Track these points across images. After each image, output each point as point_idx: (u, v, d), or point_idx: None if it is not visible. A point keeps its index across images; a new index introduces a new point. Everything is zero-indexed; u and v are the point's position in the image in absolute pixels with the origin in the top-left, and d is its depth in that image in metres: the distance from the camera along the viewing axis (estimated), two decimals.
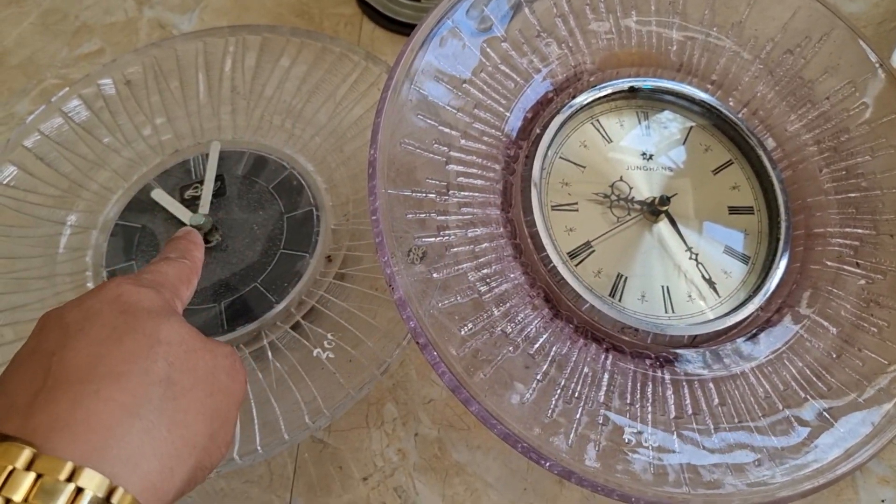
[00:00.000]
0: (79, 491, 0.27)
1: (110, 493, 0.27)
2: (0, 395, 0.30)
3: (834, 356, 0.49)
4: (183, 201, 0.56)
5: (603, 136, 0.54)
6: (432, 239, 0.46)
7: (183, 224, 0.54)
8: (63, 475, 0.27)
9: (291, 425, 0.45)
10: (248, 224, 0.55)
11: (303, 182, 0.57)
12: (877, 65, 0.55)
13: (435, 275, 0.45)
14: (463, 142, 0.50)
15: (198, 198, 0.56)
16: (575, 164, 0.52)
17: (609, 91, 0.54)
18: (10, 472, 0.27)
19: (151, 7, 0.76)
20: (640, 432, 0.45)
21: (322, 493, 0.50)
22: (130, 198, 0.57)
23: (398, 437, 0.51)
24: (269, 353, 0.49)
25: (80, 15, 0.76)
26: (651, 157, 0.54)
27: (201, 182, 0.56)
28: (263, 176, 0.57)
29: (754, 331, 0.50)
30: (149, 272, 0.39)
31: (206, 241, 0.54)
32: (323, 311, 0.51)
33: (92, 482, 0.27)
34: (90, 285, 0.54)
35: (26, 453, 0.27)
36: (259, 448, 0.45)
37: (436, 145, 0.49)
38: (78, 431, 0.28)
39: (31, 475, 0.27)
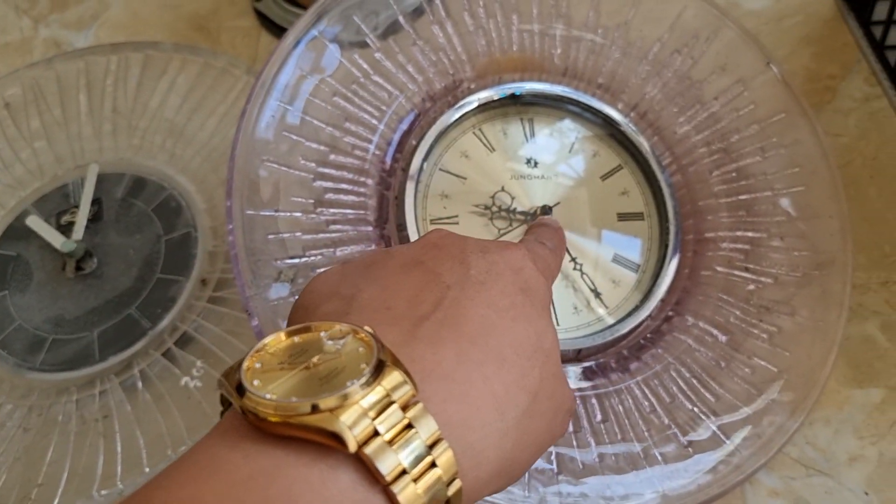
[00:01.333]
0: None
1: (451, 480, 0.23)
2: (382, 291, 0.27)
3: (723, 365, 0.48)
4: (59, 227, 0.54)
5: (485, 145, 0.52)
6: (296, 260, 0.45)
7: (57, 251, 0.52)
8: (429, 438, 0.23)
9: (154, 458, 0.43)
10: (125, 248, 0.53)
11: (182, 203, 0.55)
12: (765, 63, 0.54)
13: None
14: (332, 157, 0.48)
15: (74, 223, 0.54)
16: (455, 175, 0.51)
17: (490, 98, 0.52)
18: (387, 405, 0.22)
19: (47, 25, 0.74)
20: None
21: None
22: (7, 225, 0.55)
23: None
24: (140, 383, 0.47)
25: None
26: (536, 164, 0.52)
27: (78, 206, 0.54)
28: (143, 197, 0.55)
29: (642, 341, 0.49)
30: (540, 258, 0.35)
31: (80, 269, 0.52)
32: (195, 337, 0.49)
33: (444, 460, 0.23)
34: None
35: (407, 392, 0.23)
36: (119, 483, 0.43)
37: (302, 161, 0.47)
38: (452, 394, 0.25)
39: (404, 420, 0.22)
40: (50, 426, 0.46)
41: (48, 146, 0.58)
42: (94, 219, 0.54)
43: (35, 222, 0.54)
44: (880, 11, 0.62)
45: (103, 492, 0.42)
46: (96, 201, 0.55)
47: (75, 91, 0.59)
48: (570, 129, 0.54)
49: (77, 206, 0.55)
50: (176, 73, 0.59)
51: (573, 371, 0.47)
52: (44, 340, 0.50)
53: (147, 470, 0.43)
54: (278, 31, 0.70)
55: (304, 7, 0.68)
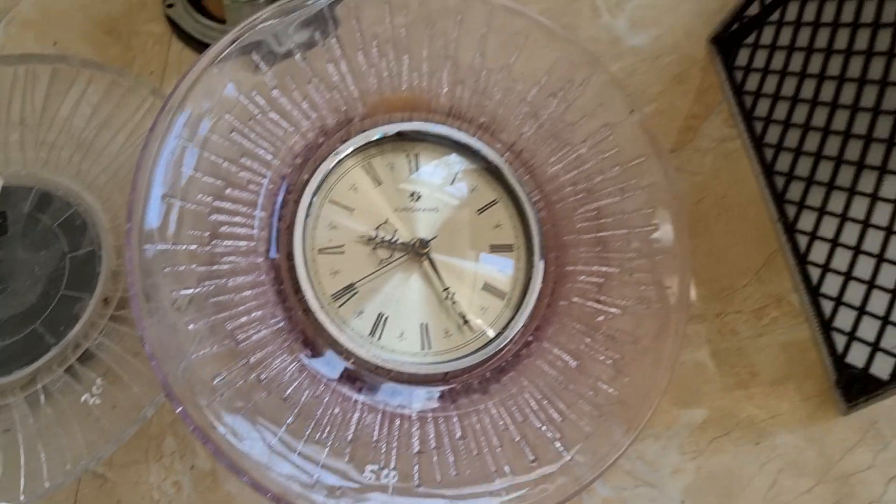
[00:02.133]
0: None
1: None
2: None
3: (571, 388, 0.54)
4: None
5: (373, 179, 0.57)
6: (191, 290, 0.49)
7: None
8: None
9: (54, 472, 0.48)
10: (30, 264, 0.56)
11: (87, 220, 0.58)
12: (629, 111, 0.59)
13: (191, 326, 0.48)
14: (228, 191, 0.52)
15: None
16: (344, 207, 0.55)
17: (378, 136, 0.56)
18: None
19: None
20: (381, 469, 0.49)
21: None
22: None
23: (175, 470, 0.55)
24: (42, 398, 0.51)
25: None
26: (419, 198, 0.57)
27: None
28: (49, 213, 0.58)
29: (503, 364, 0.55)
30: None
31: None
32: (97, 355, 0.53)
33: None
34: None
35: None
36: (22, 496, 0.47)
37: (199, 196, 0.51)
38: None
39: None
40: None
41: None
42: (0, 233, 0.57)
43: None
44: (743, 58, 0.68)
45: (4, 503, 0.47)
46: (1, 214, 0.58)
47: None
48: (451, 164, 0.59)
49: None
50: (84, 88, 0.61)
51: (439, 391, 0.53)
52: None
53: (47, 484, 0.47)
54: (188, 39, 0.72)
55: (215, 18, 0.71)
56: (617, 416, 0.54)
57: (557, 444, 0.52)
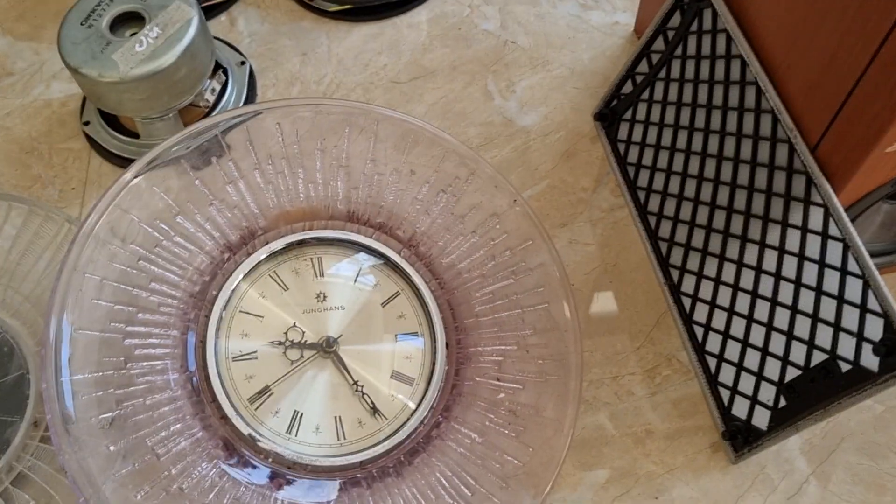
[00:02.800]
0: None
1: None
2: None
3: (479, 462, 0.59)
4: None
5: (280, 285, 0.61)
6: (110, 414, 0.53)
7: None
8: None
9: None
10: None
11: (14, 345, 0.61)
12: (513, 200, 0.64)
13: (112, 447, 0.52)
14: (140, 315, 0.56)
15: None
16: (254, 315, 0.60)
17: (281, 246, 0.61)
18: None
19: None
20: None
21: None
22: None
23: None
24: None
25: None
26: (325, 298, 0.62)
27: None
28: None
29: (416, 446, 0.59)
30: None
31: None
32: (29, 476, 0.56)
33: None
34: None
35: None
36: None
37: (112, 324, 0.55)
38: None
39: None
40: None
41: None
42: None
43: None
44: (623, 132, 0.74)
45: None
46: None
47: None
48: (354, 263, 0.63)
49: None
50: (3, 218, 0.65)
51: (357, 478, 0.57)
52: None
53: None
54: (106, 153, 0.76)
55: (130, 132, 0.75)
56: (524, 484, 0.58)
57: None
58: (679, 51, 0.65)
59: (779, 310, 0.58)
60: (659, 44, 0.68)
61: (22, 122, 0.79)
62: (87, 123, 0.77)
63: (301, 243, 0.62)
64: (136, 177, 0.57)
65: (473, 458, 0.59)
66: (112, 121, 0.76)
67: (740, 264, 0.61)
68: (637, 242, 0.71)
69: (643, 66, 0.70)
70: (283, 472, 0.56)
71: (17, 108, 0.80)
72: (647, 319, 0.67)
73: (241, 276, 0.59)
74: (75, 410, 0.51)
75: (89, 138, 0.77)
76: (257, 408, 0.57)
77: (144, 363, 0.55)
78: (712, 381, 0.64)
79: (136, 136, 0.75)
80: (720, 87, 0.62)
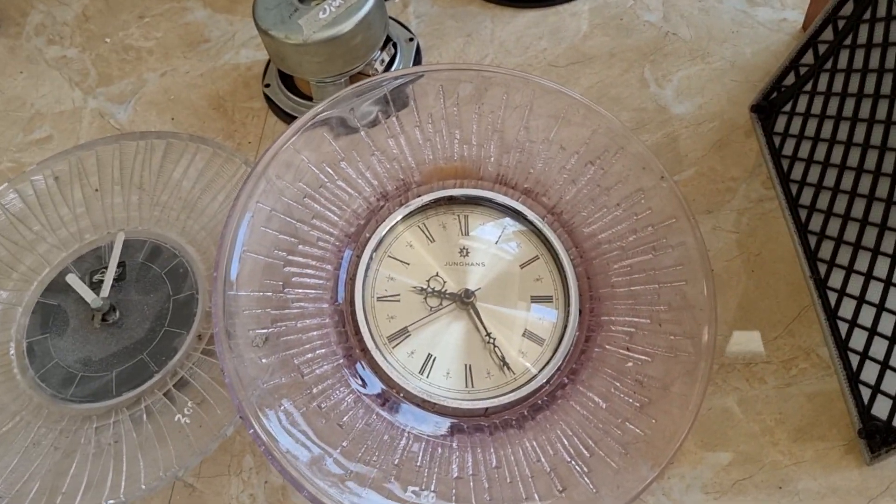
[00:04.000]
0: None
1: None
2: None
3: (600, 427, 0.59)
4: (91, 284, 0.69)
5: (427, 237, 0.65)
6: (266, 330, 0.58)
7: (88, 304, 0.67)
8: None
9: (150, 477, 0.57)
10: (142, 305, 0.67)
11: (189, 269, 0.69)
12: (660, 177, 0.65)
13: (264, 360, 0.57)
14: (300, 247, 0.61)
15: (103, 281, 0.68)
16: (400, 261, 0.64)
17: (432, 200, 0.65)
18: None
19: (95, 97, 0.89)
20: (421, 490, 0.56)
21: None
22: (51, 280, 0.70)
23: (252, 484, 0.63)
24: (144, 416, 0.61)
25: (35, 103, 0.89)
26: (468, 253, 0.65)
27: (107, 267, 0.69)
28: (158, 262, 0.69)
29: (539, 403, 0.61)
30: None
31: (105, 320, 0.66)
32: (189, 382, 0.63)
33: None
34: (12, 354, 0.66)
35: None
36: (122, 496, 0.57)
37: (276, 251, 0.60)
38: None
39: None
40: (74, 447, 0.60)
41: (86, 214, 0.72)
42: (119, 279, 0.69)
43: (73, 280, 0.68)
44: (780, 124, 0.73)
45: (110, 502, 0.56)
46: (121, 264, 0.69)
47: (110, 169, 0.73)
48: (497, 225, 0.66)
49: (107, 267, 0.69)
50: (191, 159, 0.73)
51: (480, 425, 0.59)
52: (74, 377, 0.64)
53: (143, 486, 0.56)
54: (282, 114, 0.83)
55: (305, 95, 0.81)
56: (643, 454, 0.58)
57: (585, 478, 0.57)
58: (849, 40, 0.64)
59: None
60: (827, 34, 0.66)
61: (212, 82, 0.87)
62: (267, 86, 0.85)
63: (451, 200, 0.65)
64: (308, 123, 0.63)
65: (595, 422, 0.59)
66: (289, 84, 0.83)
67: (895, 258, 0.59)
68: (784, 234, 0.69)
69: (808, 58, 0.69)
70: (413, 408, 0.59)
71: (209, 70, 0.89)
72: (787, 311, 0.66)
73: (393, 223, 0.64)
74: (237, 322, 0.57)
75: (268, 99, 0.84)
76: (395, 346, 0.61)
77: (300, 290, 0.60)
78: (853, 378, 0.62)
79: (309, 98, 0.82)
80: (890, 76, 0.60)
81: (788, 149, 0.72)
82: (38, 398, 0.63)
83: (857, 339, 0.62)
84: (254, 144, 0.82)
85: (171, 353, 0.64)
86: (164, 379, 0.63)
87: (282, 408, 0.56)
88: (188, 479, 0.64)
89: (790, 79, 0.72)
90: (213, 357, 0.64)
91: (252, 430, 0.54)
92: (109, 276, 0.68)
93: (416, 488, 0.56)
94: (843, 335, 0.63)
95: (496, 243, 0.65)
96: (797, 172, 0.70)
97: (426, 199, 0.65)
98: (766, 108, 0.75)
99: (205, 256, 0.69)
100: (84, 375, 0.64)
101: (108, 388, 0.63)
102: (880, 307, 0.60)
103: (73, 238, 0.72)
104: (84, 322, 0.67)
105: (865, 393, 0.60)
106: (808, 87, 0.70)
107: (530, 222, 0.65)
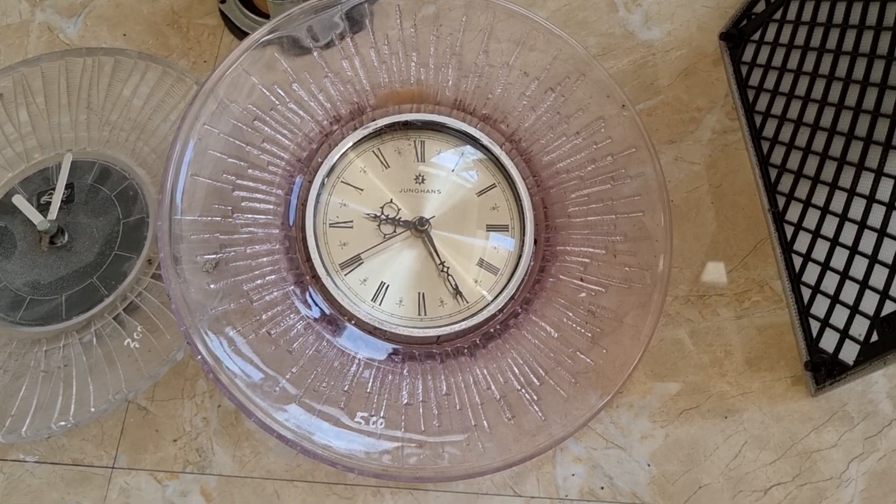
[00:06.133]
0: None
1: None
2: None
3: (551, 356, 0.60)
4: (38, 206, 0.67)
5: (381, 163, 0.63)
6: (215, 255, 0.57)
7: (35, 227, 0.65)
8: None
9: (99, 400, 0.57)
10: (91, 228, 0.66)
11: (139, 191, 0.67)
12: (621, 106, 0.64)
13: (213, 286, 0.56)
14: (250, 171, 0.60)
15: (51, 203, 0.66)
16: (354, 187, 0.62)
17: (387, 124, 0.63)
18: None
19: (43, 10, 0.85)
20: (370, 416, 0.56)
21: (140, 450, 0.62)
22: None
23: (205, 408, 0.63)
24: (94, 340, 0.61)
25: None
26: (423, 180, 0.63)
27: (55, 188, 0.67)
28: (108, 184, 0.68)
29: (491, 331, 0.61)
30: None
31: (52, 243, 0.65)
32: (140, 306, 0.62)
33: None
34: None
35: None
36: (72, 419, 0.57)
37: (224, 175, 0.59)
38: None
39: None
40: (23, 369, 0.60)
41: (33, 133, 0.70)
42: (67, 200, 0.67)
43: (19, 201, 0.66)
44: (749, 53, 0.71)
45: (59, 423, 0.56)
46: (69, 185, 0.67)
47: (56, 86, 0.71)
48: (454, 154, 0.65)
49: (54, 188, 0.67)
50: (140, 77, 0.70)
51: (432, 352, 0.59)
52: (23, 300, 0.63)
53: (92, 409, 0.56)
54: (238, 31, 0.80)
55: (262, 13, 0.78)
56: (593, 383, 0.59)
57: (534, 407, 0.58)
58: None
59: (886, 241, 0.55)
60: None
61: None
62: (223, 2, 0.81)
63: (406, 125, 0.64)
64: (259, 41, 0.60)
65: (546, 351, 0.60)
66: (246, 1, 0.80)
67: (852, 193, 0.58)
68: (746, 167, 0.69)
69: None
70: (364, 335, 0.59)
71: None
72: (744, 244, 0.66)
73: (346, 147, 0.62)
74: (184, 247, 0.56)
75: (224, 16, 0.81)
76: (347, 273, 0.60)
77: (249, 215, 0.59)
78: (804, 311, 0.62)
79: (266, 17, 0.79)
80: (859, 5, 0.58)
81: (755, 79, 0.70)
82: None
83: (810, 273, 0.62)
84: (209, 63, 0.79)
85: (121, 278, 0.63)
86: (114, 303, 0.62)
87: (229, 334, 0.55)
88: (141, 402, 0.64)
89: (760, 6, 0.70)
90: (161, 282, 0.63)
91: (199, 357, 0.53)
92: (57, 198, 0.66)
93: (366, 414, 0.56)
94: (797, 269, 0.63)
95: (453, 171, 0.64)
96: (762, 104, 0.69)
97: (381, 123, 0.63)
98: (735, 36, 0.73)
99: (155, 179, 0.67)
100: (33, 299, 0.63)
101: (57, 312, 0.63)
102: (834, 241, 0.60)
103: (18, 158, 0.70)
104: (32, 245, 0.66)
105: (815, 326, 0.61)
106: (778, 14, 0.68)
107: (487, 149, 0.64)
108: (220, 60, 0.78)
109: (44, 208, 0.66)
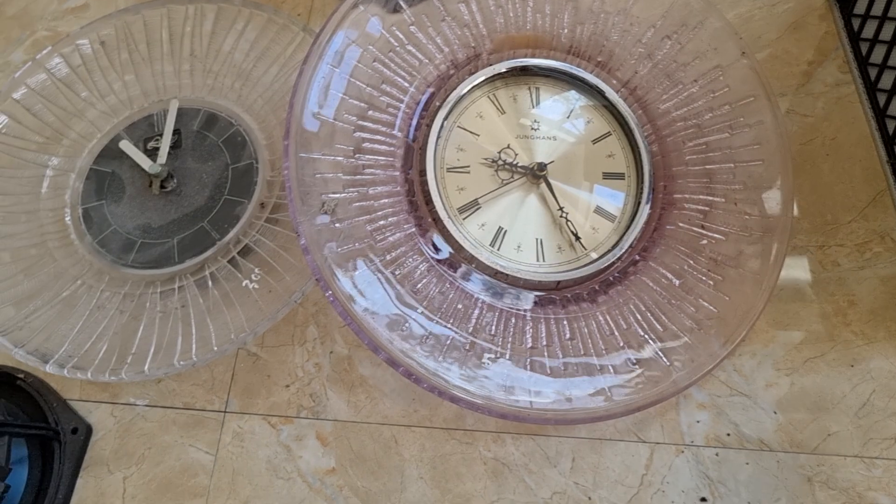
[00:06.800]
0: None
1: None
2: None
3: (673, 303, 0.59)
4: (146, 151, 0.66)
5: (497, 108, 0.63)
6: (337, 195, 0.56)
7: (144, 171, 0.65)
8: None
9: (220, 340, 0.57)
10: (199, 173, 0.65)
11: (247, 138, 0.66)
12: (741, 53, 0.63)
13: (337, 225, 0.56)
14: (370, 112, 0.59)
15: (158, 148, 0.66)
16: (470, 132, 0.62)
17: (504, 70, 0.62)
18: None
19: None
20: (497, 357, 0.55)
21: (252, 395, 0.62)
22: (103, 146, 0.68)
23: (316, 354, 0.63)
24: (210, 282, 0.60)
25: None
26: (539, 127, 0.63)
27: (162, 134, 0.67)
28: (214, 131, 0.67)
29: (611, 279, 0.60)
30: None
31: (163, 187, 0.65)
32: (254, 249, 0.61)
33: None
34: (68, 220, 0.65)
35: None
36: (194, 357, 0.56)
37: (346, 115, 0.58)
38: None
39: None
40: (140, 310, 0.60)
41: (136, 81, 0.70)
42: (174, 146, 0.67)
43: (127, 146, 0.66)
44: (861, 5, 0.70)
45: (182, 362, 0.56)
46: (176, 131, 0.67)
47: (159, 34, 0.70)
48: (570, 98, 0.64)
49: (160, 135, 0.67)
50: (244, 25, 0.69)
51: (552, 298, 0.59)
52: (134, 243, 0.63)
53: (215, 348, 0.56)
54: None
55: None
56: (715, 330, 0.58)
57: (658, 351, 0.57)
58: None
59: None
60: None
61: None
62: None
63: (523, 70, 0.63)
64: None
65: (669, 298, 0.59)
66: None
67: None
68: (860, 119, 0.67)
69: None
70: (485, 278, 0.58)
71: None
72: (862, 196, 0.65)
73: (463, 92, 0.61)
74: (308, 187, 0.55)
75: None
76: (465, 217, 0.59)
77: (370, 157, 0.58)
78: None
79: None
80: None
81: (868, 31, 0.69)
82: (99, 263, 0.62)
83: None
84: (304, 16, 0.78)
85: (232, 222, 0.63)
86: (226, 246, 0.62)
87: (356, 272, 0.55)
88: (251, 349, 0.63)
89: None
90: (277, 226, 0.62)
91: (329, 293, 0.53)
92: (166, 143, 0.66)
93: (493, 356, 0.56)
94: None
95: (568, 118, 0.63)
96: (877, 55, 0.68)
97: (498, 68, 0.62)
98: None
99: (263, 126, 0.67)
100: (144, 242, 0.63)
101: (169, 255, 0.62)
102: None
103: (123, 105, 0.69)
104: (141, 189, 0.65)
105: None
106: None
107: (604, 96, 0.63)
108: (318, 14, 0.78)
109: (151, 154, 0.66)
